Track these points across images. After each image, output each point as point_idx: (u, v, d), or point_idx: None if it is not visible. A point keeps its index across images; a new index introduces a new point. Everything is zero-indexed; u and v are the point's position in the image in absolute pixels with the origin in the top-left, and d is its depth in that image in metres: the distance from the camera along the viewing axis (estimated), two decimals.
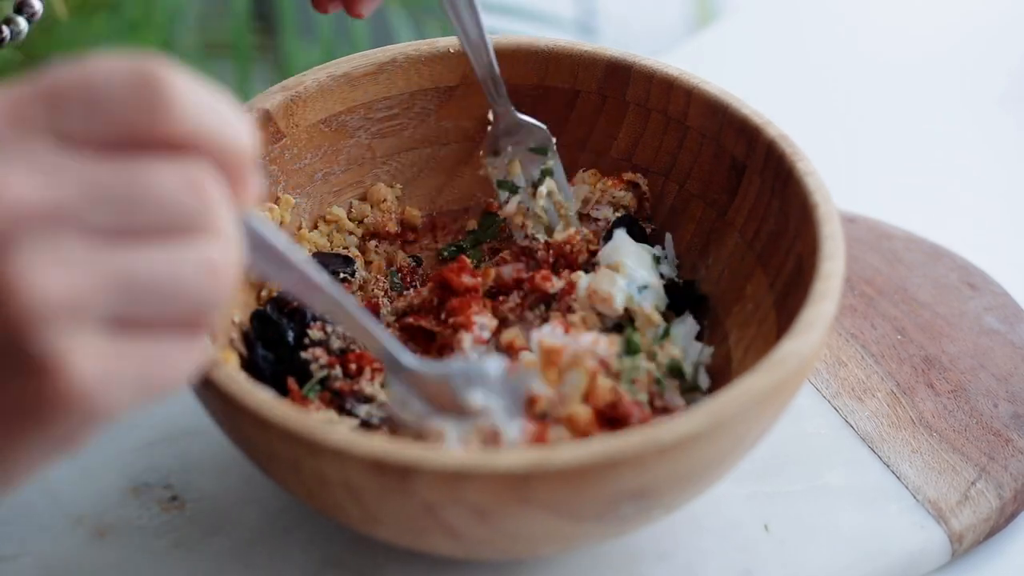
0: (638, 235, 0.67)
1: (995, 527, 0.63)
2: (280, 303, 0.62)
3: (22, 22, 0.69)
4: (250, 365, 0.60)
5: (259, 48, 1.38)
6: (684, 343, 0.63)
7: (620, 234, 0.66)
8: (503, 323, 0.63)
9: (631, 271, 0.64)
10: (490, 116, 0.68)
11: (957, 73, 1.00)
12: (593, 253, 0.66)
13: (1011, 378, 0.69)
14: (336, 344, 0.62)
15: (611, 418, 0.57)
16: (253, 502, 0.63)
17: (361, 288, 0.67)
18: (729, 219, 0.66)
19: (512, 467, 0.47)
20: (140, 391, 0.36)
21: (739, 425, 0.51)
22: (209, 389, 0.52)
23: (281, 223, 0.66)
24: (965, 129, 0.94)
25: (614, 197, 0.68)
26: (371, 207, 0.70)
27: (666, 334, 0.63)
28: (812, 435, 0.66)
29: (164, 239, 0.36)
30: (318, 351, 0.61)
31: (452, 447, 0.53)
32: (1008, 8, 1.07)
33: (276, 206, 0.66)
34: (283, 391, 0.59)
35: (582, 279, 0.64)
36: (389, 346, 0.51)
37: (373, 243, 0.70)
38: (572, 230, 0.67)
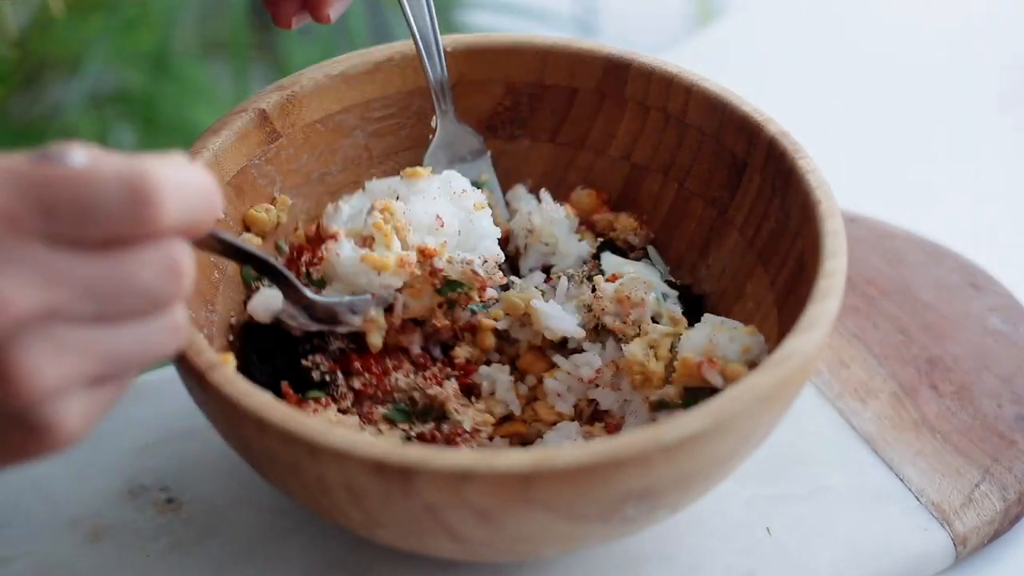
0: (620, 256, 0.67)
1: (999, 530, 0.63)
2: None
3: None
4: (246, 373, 0.60)
5: (257, 46, 1.37)
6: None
7: (609, 256, 0.66)
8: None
9: (650, 279, 0.64)
10: (433, 124, 0.68)
11: (959, 72, 0.99)
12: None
13: (1015, 379, 0.69)
14: (335, 345, 0.61)
15: None
16: (250, 504, 0.62)
17: None
18: (729, 217, 0.65)
19: (514, 467, 0.47)
20: (101, 418, 0.44)
21: (743, 424, 0.50)
22: (207, 392, 0.51)
23: (277, 224, 0.66)
24: (968, 129, 0.93)
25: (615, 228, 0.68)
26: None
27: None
28: (814, 437, 0.66)
29: (139, 317, 0.42)
30: (318, 358, 0.60)
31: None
32: (1008, 8, 1.07)
33: (273, 207, 0.65)
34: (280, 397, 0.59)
35: (604, 285, 0.63)
36: (296, 284, 0.58)
37: None
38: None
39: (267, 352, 0.61)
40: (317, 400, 0.60)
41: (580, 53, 0.68)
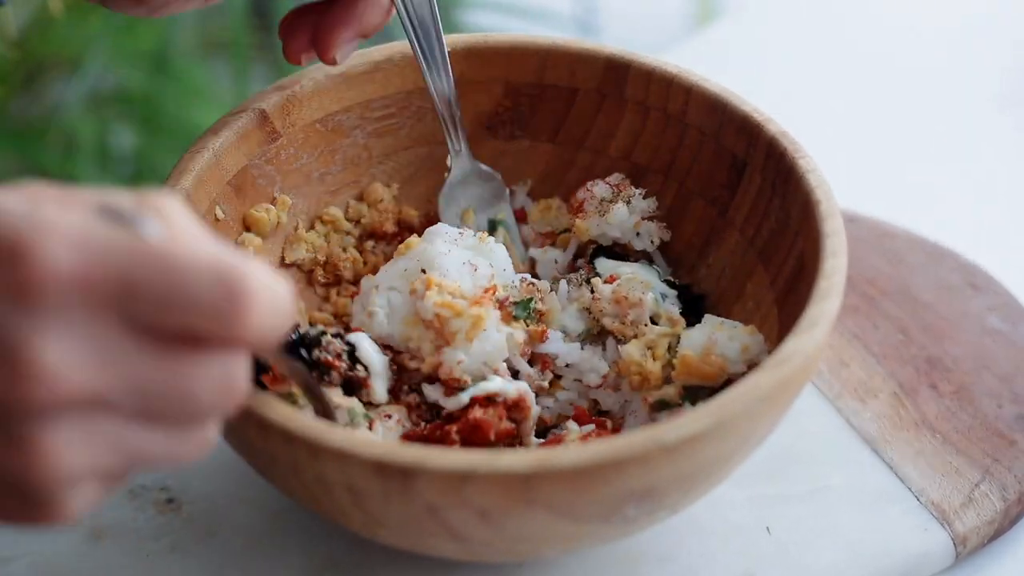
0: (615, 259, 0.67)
1: (999, 529, 0.63)
2: None
3: None
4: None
5: (257, 46, 1.37)
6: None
7: (603, 261, 0.66)
8: None
9: (648, 279, 0.64)
10: (448, 163, 0.67)
11: (958, 72, 0.99)
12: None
13: (1015, 379, 0.69)
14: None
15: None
16: (250, 504, 0.62)
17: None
18: (729, 217, 0.65)
19: (515, 467, 0.47)
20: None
21: (744, 424, 0.50)
22: None
23: (278, 224, 0.66)
24: (968, 129, 0.93)
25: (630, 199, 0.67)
26: (368, 207, 0.69)
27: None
28: (814, 437, 0.66)
29: (177, 425, 0.40)
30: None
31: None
32: (1008, 8, 1.07)
33: (273, 207, 0.65)
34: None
35: (601, 286, 0.64)
36: (330, 410, 0.55)
37: (370, 243, 0.69)
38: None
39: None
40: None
41: (580, 53, 0.68)
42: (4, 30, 1.28)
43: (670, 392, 0.59)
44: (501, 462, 0.47)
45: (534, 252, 0.68)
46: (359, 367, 0.57)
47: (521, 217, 0.70)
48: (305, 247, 0.67)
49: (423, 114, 0.69)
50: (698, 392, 0.59)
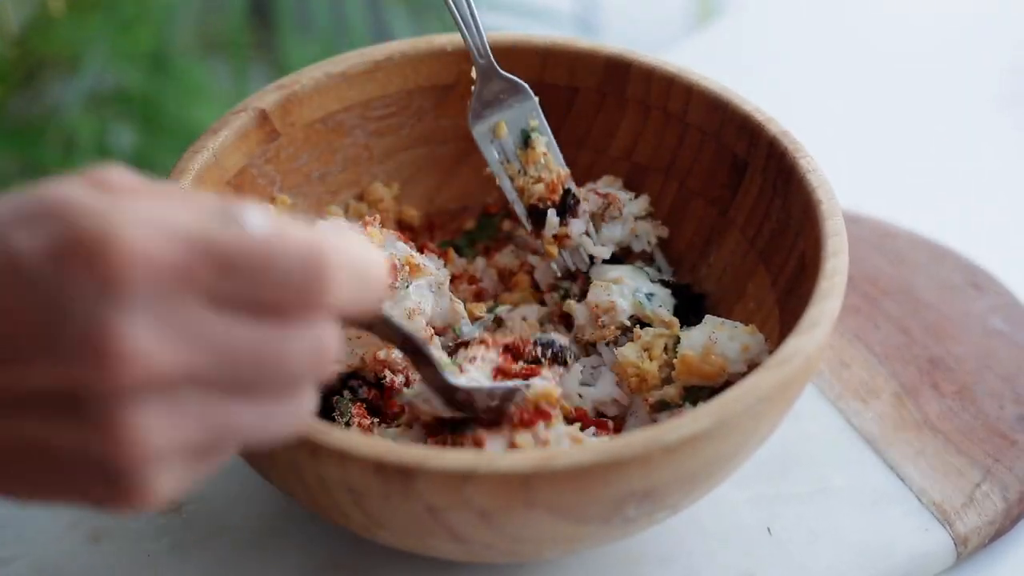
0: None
1: (1000, 530, 0.63)
2: None
3: None
4: None
5: (256, 46, 1.37)
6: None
7: (597, 267, 0.66)
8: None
9: (630, 282, 0.64)
10: (473, 75, 0.66)
11: (959, 72, 0.99)
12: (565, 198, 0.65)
13: (1017, 379, 0.69)
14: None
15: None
16: (250, 505, 0.62)
17: None
18: (730, 217, 0.65)
19: (516, 468, 0.47)
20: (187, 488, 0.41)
21: (745, 424, 0.50)
22: None
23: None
24: (969, 128, 0.93)
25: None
26: (368, 207, 0.69)
27: (678, 342, 0.62)
28: (815, 437, 0.66)
29: (271, 396, 0.40)
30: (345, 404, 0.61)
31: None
32: (1008, 8, 1.07)
33: (273, 206, 0.65)
34: None
35: (576, 308, 0.64)
36: (439, 367, 0.54)
37: None
38: (557, 173, 0.65)
39: None
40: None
41: (580, 53, 0.68)
42: (4, 28, 1.28)
43: (671, 392, 0.59)
44: (501, 463, 0.47)
45: (532, 258, 0.67)
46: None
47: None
48: None
49: (423, 114, 0.69)
50: (699, 392, 0.59)
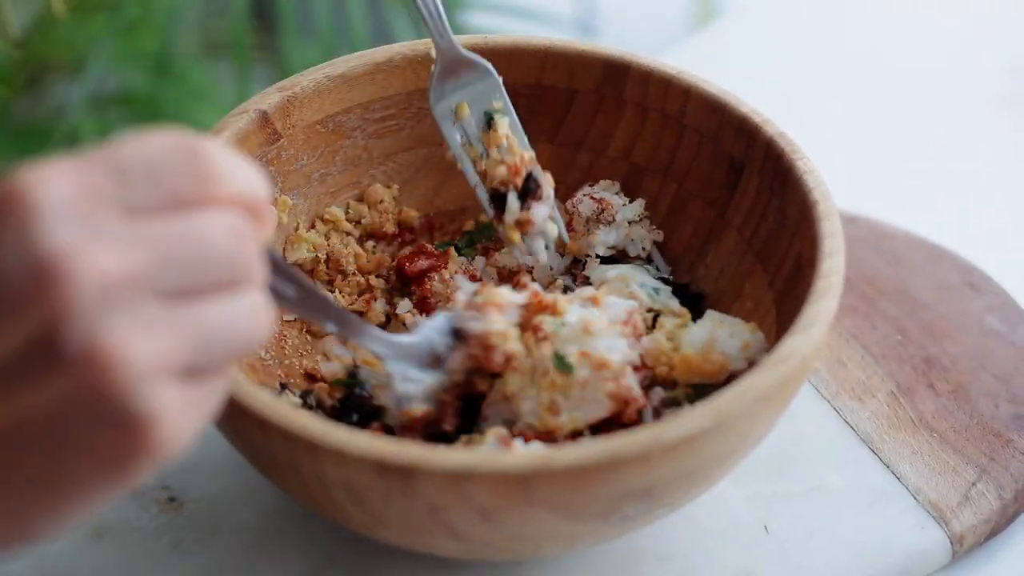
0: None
1: (996, 528, 0.63)
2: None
3: None
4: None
5: (259, 48, 1.37)
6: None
7: (596, 268, 0.66)
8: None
9: (635, 278, 0.64)
10: (432, 54, 0.64)
11: (957, 73, 0.99)
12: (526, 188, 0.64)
13: (1012, 379, 0.69)
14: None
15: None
16: (251, 503, 0.62)
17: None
18: (728, 218, 0.65)
19: (516, 467, 0.47)
20: (200, 427, 0.41)
21: (742, 423, 0.51)
22: None
23: (278, 225, 0.66)
24: (966, 129, 0.94)
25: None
26: (368, 208, 0.70)
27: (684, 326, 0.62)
28: (812, 436, 0.66)
29: (221, 292, 0.40)
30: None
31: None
32: (1008, 8, 1.07)
33: (273, 207, 0.66)
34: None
35: (570, 311, 0.61)
36: (385, 336, 0.56)
37: (370, 244, 0.70)
38: (520, 156, 0.64)
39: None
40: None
41: (579, 54, 0.68)
42: (7, 30, 1.28)
43: (678, 392, 0.60)
44: (501, 461, 0.48)
45: (527, 259, 0.67)
46: None
47: None
48: (306, 247, 0.67)
49: (423, 115, 0.69)
50: (704, 390, 0.59)
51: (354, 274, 0.68)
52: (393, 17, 1.31)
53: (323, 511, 0.54)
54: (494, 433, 0.56)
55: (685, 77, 0.66)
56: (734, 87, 0.66)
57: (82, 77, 1.27)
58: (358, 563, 0.60)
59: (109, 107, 1.33)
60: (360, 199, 0.70)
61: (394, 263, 0.68)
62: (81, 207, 0.38)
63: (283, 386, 0.62)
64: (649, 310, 0.63)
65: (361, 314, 0.67)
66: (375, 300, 0.67)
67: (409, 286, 0.67)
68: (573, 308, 0.59)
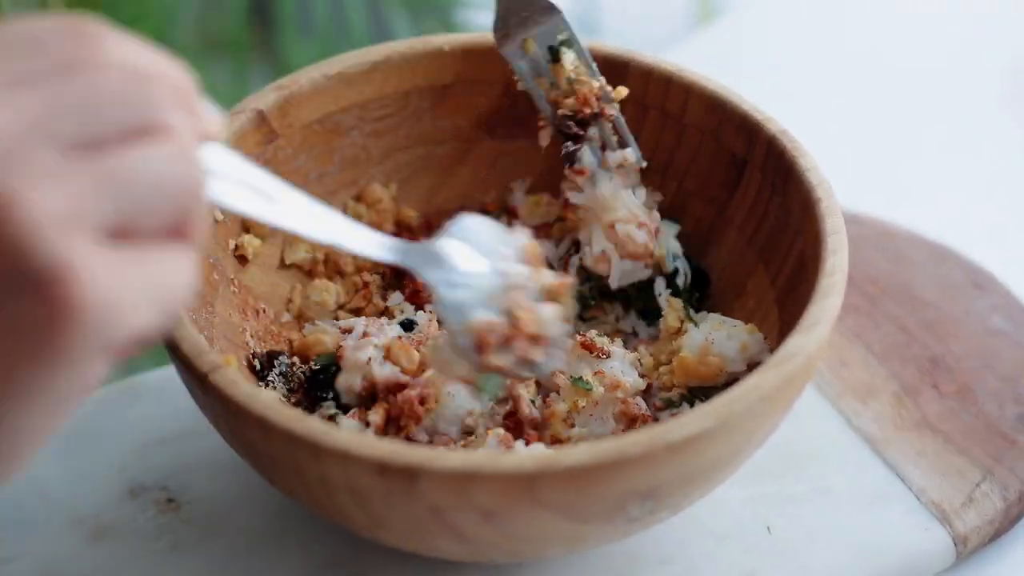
0: None
1: (1000, 529, 0.63)
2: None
3: None
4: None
5: (257, 46, 1.37)
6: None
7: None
8: None
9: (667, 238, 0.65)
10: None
11: (959, 71, 0.99)
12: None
13: (1018, 379, 0.69)
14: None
15: None
16: (251, 503, 0.62)
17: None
18: (729, 216, 0.65)
19: (520, 468, 0.47)
20: (148, 301, 0.36)
21: (747, 423, 0.50)
22: (209, 394, 0.51)
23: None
24: (970, 128, 0.93)
25: None
26: (366, 207, 0.69)
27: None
28: (815, 437, 0.66)
29: (129, 140, 0.37)
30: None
31: None
32: (1009, 7, 1.07)
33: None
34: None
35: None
36: (389, 242, 0.51)
37: None
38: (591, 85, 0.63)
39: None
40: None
41: None
42: None
43: (674, 394, 0.59)
44: (505, 463, 0.47)
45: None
46: None
47: (515, 214, 0.70)
48: (304, 247, 0.67)
49: (421, 114, 0.69)
50: (704, 393, 0.59)
51: (352, 274, 0.68)
52: (392, 15, 1.31)
53: (326, 513, 0.54)
54: (495, 435, 0.56)
55: (685, 75, 0.66)
56: (735, 85, 0.65)
57: None
58: (360, 564, 0.60)
59: None
60: (358, 199, 0.70)
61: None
62: None
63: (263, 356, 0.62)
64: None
65: (360, 310, 0.67)
66: (372, 295, 0.67)
67: (403, 280, 0.67)
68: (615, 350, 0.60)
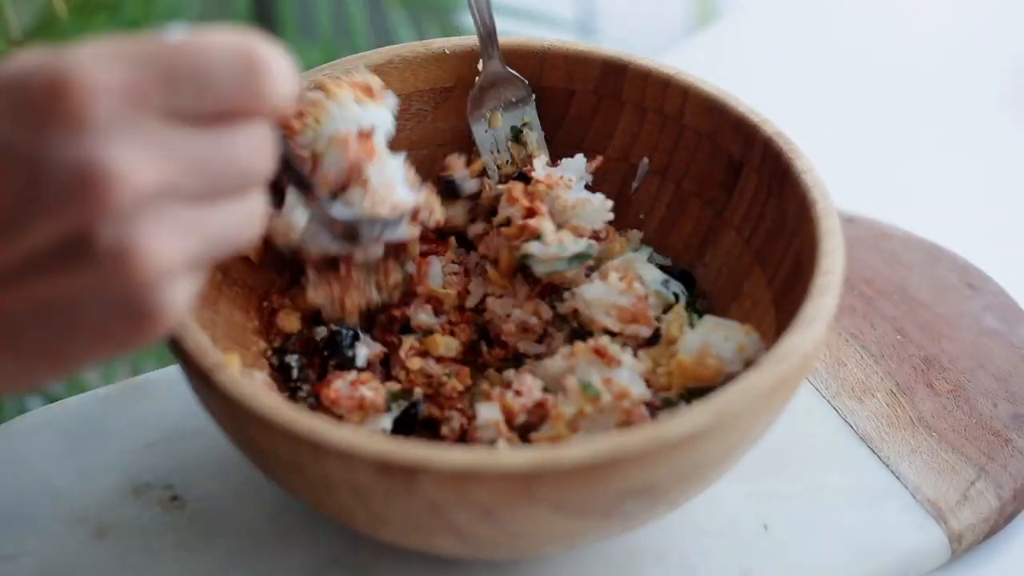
0: None
1: (994, 527, 0.63)
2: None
3: None
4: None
5: None
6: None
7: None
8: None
9: (643, 270, 0.64)
10: (479, 67, 0.68)
11: (956, 73, 1.00)
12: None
13: (1011, 378, 0.69)
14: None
15: None
16: (254, 502, 0.63)
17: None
18: (726, 217, 0.66)
19: (518, 466, 0.47)
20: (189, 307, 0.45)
21: (743, 421, 0.51)
22: (212, 393, 0.52)
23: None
24: (965, 129, 0.94)
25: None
26: None
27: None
28: (811, 435, 0.66)
29: (235, 197, 0.43)
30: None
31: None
32: (1007, 8, 1.07)
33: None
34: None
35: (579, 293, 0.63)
36: (318, 194, 0.57)
37: None
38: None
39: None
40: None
41: (577, 55, 0.68)
42: (8, 30, 1.28)
43: (672, 394, 0.60)
44: (504, 461, 0.48)
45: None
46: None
47: None
48: None
49: (423, 116, 0.70)
50: (702, 394, 0.59)
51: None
52: (394, 19, 1.32)
53: (328, 511, 0.54)
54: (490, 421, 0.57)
55: (683, 77, 0.66)
56: (733, 87, 0.66)
57: None
58: (362, 562, 0.60)
59: None
60: None
61: None
62: (126, 112, 0.39)
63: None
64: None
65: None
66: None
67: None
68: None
